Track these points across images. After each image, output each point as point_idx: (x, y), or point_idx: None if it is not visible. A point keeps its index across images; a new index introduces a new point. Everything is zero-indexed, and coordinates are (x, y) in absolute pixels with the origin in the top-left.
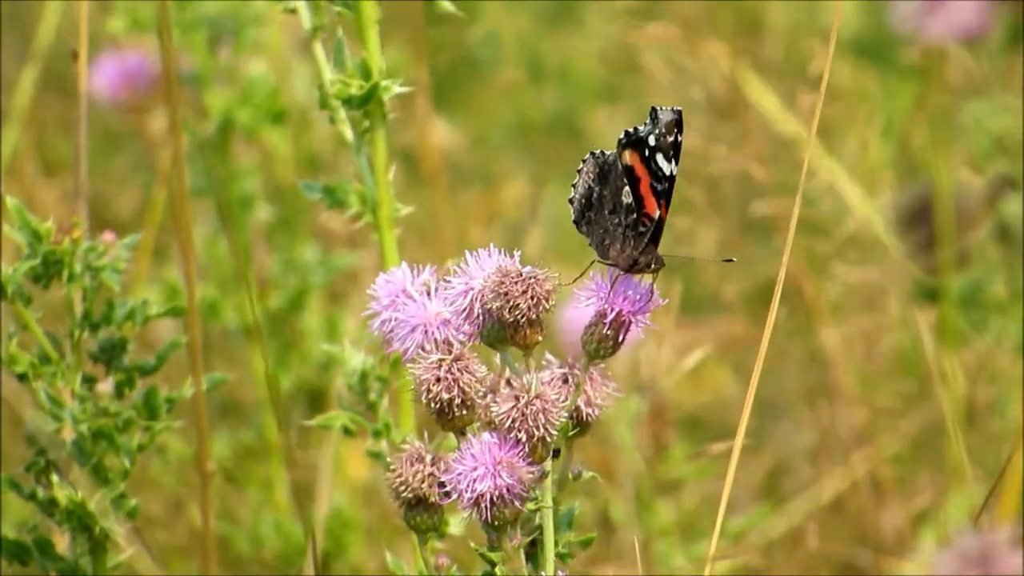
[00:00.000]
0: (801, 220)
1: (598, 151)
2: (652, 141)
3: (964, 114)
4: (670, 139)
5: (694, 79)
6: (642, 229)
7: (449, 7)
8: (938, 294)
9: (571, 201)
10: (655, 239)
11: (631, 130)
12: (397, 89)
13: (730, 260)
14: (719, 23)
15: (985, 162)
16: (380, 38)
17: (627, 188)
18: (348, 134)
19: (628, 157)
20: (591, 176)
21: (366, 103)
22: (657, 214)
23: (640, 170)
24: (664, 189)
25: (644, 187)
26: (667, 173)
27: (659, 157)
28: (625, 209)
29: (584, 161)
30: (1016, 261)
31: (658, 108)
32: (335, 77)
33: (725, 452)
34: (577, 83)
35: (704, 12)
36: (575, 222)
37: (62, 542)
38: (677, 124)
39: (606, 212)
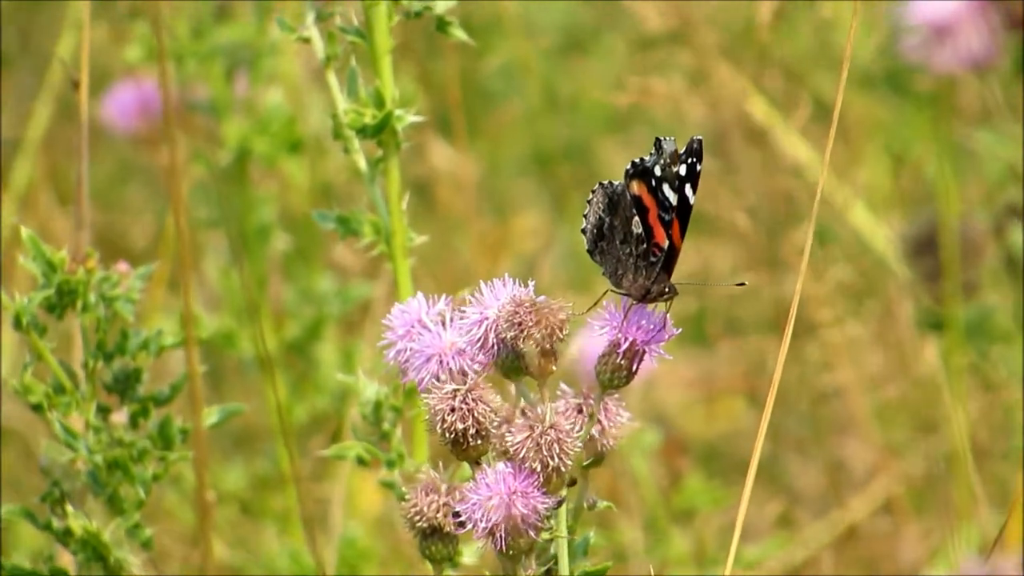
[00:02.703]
0: (815, 248)
1: (607, 181)
2: (658, 171)
3: (974, 143)
4: (674, 169)
5: (708, 108)
6: (653, 259)
7: (462, 36)
8: (944, 324)
9: (583, 231)
10: (668, 268)
11: (638, 160)
12: (411, 118)
13: (742, 284)
14: (734, 53)
15: (998, 191)
16: (392, 68)
17: (636, 218)
18: (362, 164)
19: (636, 187)
20: (601, 206)
21: (380, 132)
22: (667, 243)
23: (648, 200)
24: (670, 219)
25: (652, 217)
26: (673, 203)
27: (665, 187)
28: (636, 239)
29: (593, 191)
30: (1021, 292)
31: (662, 139)
32: (349, 107)
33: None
34: (590, 112)
35: (717, 42)
36: (589, 251)
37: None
38: (691, 152)
39: (617, 242)
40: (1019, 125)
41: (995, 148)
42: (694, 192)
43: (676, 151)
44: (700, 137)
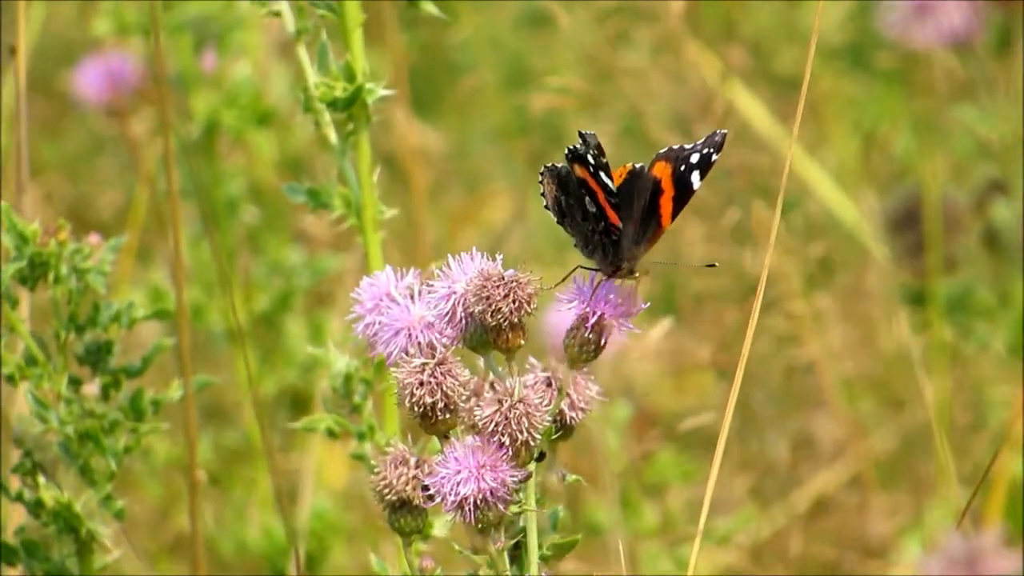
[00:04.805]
0: (783, 224)
1: (551, 164)
2: (591, 159)
3: (951, 118)
4: (604, 160)
5: (675, 84)
6: (614, 237)
7: (432, 9)
8: (925, 298)
9: (546, 207)
10: (647, 245)
11: (572, 148)
12: (381, 92)
13: (712, 265)
14: (700, 27)
15: (970, 166)
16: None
17: (587, 198)
18: (332, 137)
19: (578, 171)
20: (553, 187)
21: (350, 106)
22: (621, 225)
23: (592, 184)
24: (616, 203)
25: (602, 199)
26: (612, 189)
27: (602, 175)
28: (593, 217)
29: (542, 174)
30: (1004, 266)
31: (584, 132)
32: (320, 80)
33: (705, 442)
34: (557, 87)
35: (683, 16)
36: (559, 223)
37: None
38: (711, 144)
39: (578, 219)
40: (997, 101)
41: (975, 123)
42: (702, 179)
43: (599, 143)
44: (725, 131)
